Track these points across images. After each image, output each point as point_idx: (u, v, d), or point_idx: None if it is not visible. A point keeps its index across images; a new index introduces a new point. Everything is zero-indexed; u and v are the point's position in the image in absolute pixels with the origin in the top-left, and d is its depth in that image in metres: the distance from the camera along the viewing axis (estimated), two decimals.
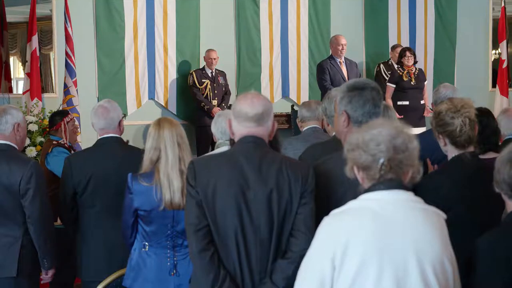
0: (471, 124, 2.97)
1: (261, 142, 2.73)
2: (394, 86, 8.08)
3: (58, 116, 5.23)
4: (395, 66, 8.44)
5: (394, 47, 8.90)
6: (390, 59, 8.93)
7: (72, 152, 4.95)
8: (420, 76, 8.17)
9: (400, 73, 8.09)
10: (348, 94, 2.83)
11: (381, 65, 8.96)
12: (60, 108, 7.04)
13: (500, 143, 3.87)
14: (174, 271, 3.33)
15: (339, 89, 2.98)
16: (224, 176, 2.67)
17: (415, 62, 8.17)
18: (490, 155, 3.55)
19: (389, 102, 7.66)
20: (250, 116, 2.70)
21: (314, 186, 2.70)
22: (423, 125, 7.94)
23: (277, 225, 2.66)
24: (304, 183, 2.68)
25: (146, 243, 3.36)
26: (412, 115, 7.80)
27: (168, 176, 3.25)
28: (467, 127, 2.96)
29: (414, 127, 7.45)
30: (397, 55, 8.57)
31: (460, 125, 2.96)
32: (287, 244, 2.68)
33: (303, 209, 2.67)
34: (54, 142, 5.00)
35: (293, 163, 2.75)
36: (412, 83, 8.07)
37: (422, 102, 8.17)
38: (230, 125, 2.79)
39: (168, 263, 3.34)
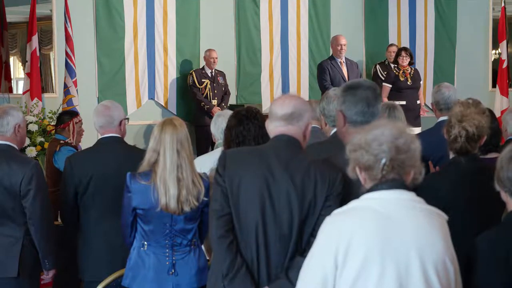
0: (468, 136, 3.00)
1: (294, 141, 2.79)
2: (390, 86, 8.12)
3: (67, 116, 5.28)
4: (392, 66, 8.47)
5: (388, 47, 8.92)
6: (386, 59, 8.94)
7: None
8: (416, 76, 8.23)
9: (396, 73, 8.11)
10: (343, 94, 2.90)
11: (377, 66, 8.98)
12: (60, 108, 7.04)
13: (502, 143, 3.87)
14: (173, 271, 3.33)
15: (337, 89, 3.01)
16: (251, 170, 2.74)
17: (411, 63, 8.20)
18: (491, 155, 3.55)
19: (385, 101, 7.67)
20: (279, 116, 2.78)
21: (342, 191, 2.71)
22: (419, 125, 7.97)
23: (298, 222, 2.70)
24: (331, 186, 2.71)
25: (145, 242, 3.35)
26: (409, 115, 7.79)
27: (165, 182, 3.23)
28: (462, 139, 3.01)
29: (411, 127, 7.48)
30: (392, 54, 8.61)
31: (455, 135, 3.02)
32: (307, 243, 2.69)
33: (327, 211, 2.64)
34: (61, 142, 5.02)
35: (322, 166, 2.77)
36: (408, 83, 8.11)
37: (418, 102, 8.21)
38: (267, 124, 2.88)
39: (167, 263, 3.34)
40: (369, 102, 2.85)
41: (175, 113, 8.45)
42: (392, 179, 2.20)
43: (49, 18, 7.91)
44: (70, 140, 5.07)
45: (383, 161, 2.18)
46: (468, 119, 3.01)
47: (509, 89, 9.25)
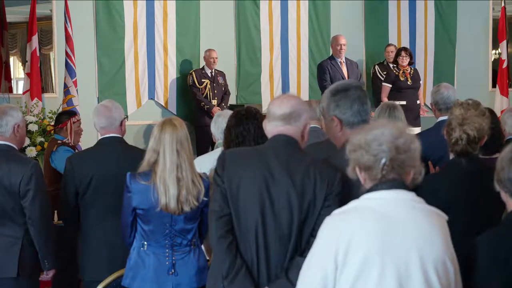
0: (469, 139, 3.00)
1: (293, 141, 2.78)
2: (390, 86, 8.12)
3: (65, 115, 5.28)
4: (391, 65, 8.47)
5: (386, 47, 8.93)
6: (385, 59, 8.95)
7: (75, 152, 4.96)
8: (416, 76, 8.23)
9: (396, 73, 8.11)
10: (333, 98, 2.87)
11: (376, 66, 8.99)
12: (60, 108, 7.04)
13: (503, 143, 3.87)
14: (173, 271, 3.33)
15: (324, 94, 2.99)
16: (250, 170, 2.74)
17: (411, 63, 8.19)
18: (497, 155, 3.55)
19: (385, 101, 7.67)
20: (278, 116, 2.78)
21: (341, 191, 2.71)
22: (419, 125, 7.97)
23: (298, 222, 2.70)
24: (330, 186, 2.71)
25: (145, 242, 3.36)
26: (409, 115, 7.79)
27: (164, 182, 3.24)
28: (463, 141, 3.02)
29: (411, 127, 7.49)
30: (390, 54, 8.62)
31: (456, 138, 3.03)
32: (307, 243, 2.69)
33: (326, 211, 2.65)
34: (58, 142, 5.02)
35: (322, 166, 2.77)
36: (408, 83, 8.11)
37: (417, 102, 8.21)
38: (265, 124, 2.87)
39: (167, 263, 3.34)
40: (363, 101, 2.85)
41: (175, 113, 8.45)
42: (392, 179, 2.20)
43: (49, 18, 7.91)
44: (68, 140, 5.07)
45: (383, 161, 2.18)
46: (469, 122, 3.01)
47: (509, 89, 9.25)
